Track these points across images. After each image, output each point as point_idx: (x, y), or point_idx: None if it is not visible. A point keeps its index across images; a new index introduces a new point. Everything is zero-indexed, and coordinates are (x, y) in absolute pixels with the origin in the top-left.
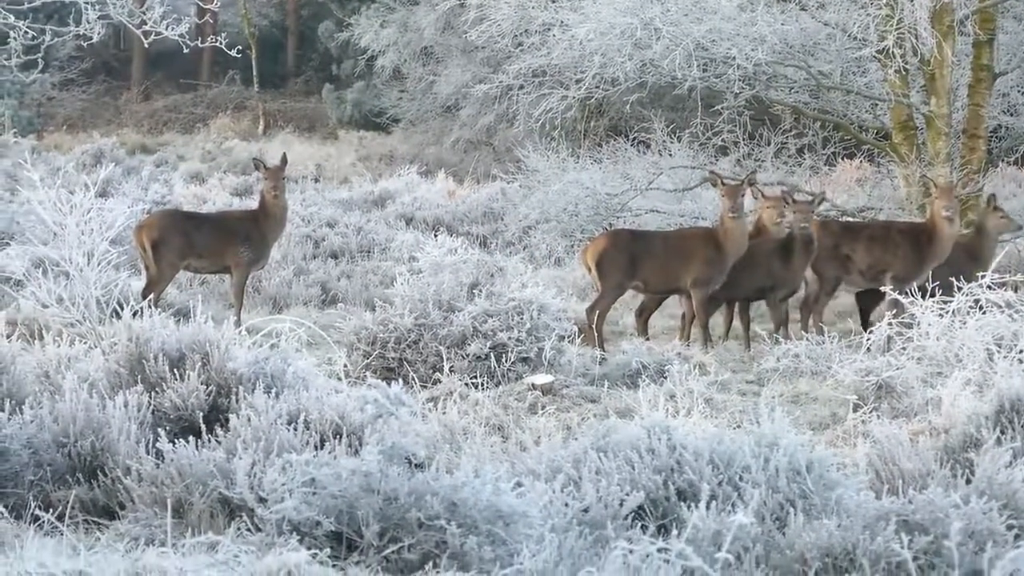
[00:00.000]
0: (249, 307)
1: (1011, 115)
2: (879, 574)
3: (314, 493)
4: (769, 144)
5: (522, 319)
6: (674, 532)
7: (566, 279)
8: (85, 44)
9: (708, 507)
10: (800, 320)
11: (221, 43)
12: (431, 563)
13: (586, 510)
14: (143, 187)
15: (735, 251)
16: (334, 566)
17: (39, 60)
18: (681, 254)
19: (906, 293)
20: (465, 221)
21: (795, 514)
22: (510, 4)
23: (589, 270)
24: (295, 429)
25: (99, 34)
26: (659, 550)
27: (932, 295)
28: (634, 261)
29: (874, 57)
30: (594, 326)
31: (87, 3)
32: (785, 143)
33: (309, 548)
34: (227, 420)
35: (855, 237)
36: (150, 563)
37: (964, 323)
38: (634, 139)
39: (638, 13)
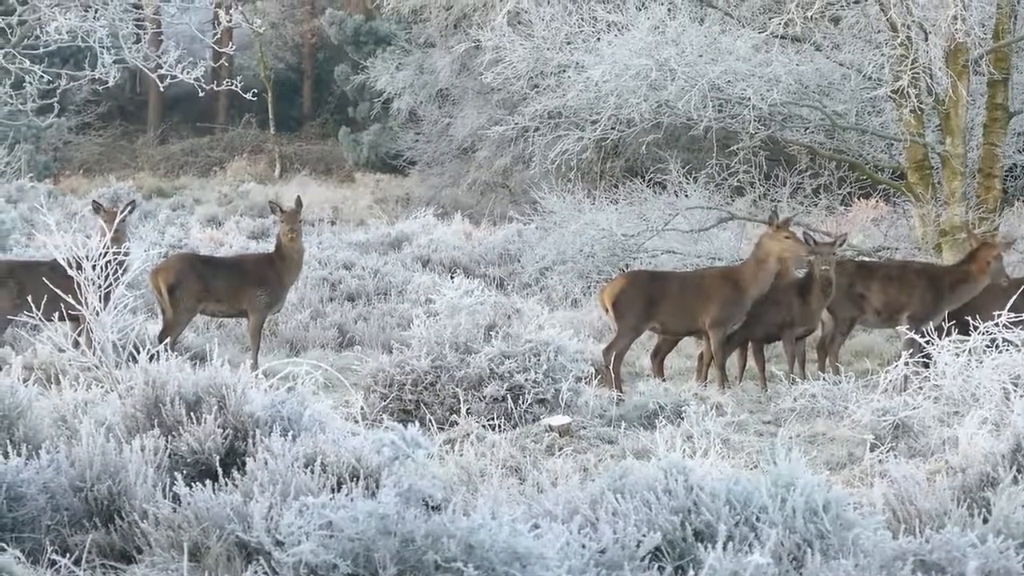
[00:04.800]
0: (266, 350)
1: None
2: None
3: (331, 536)
4: (785, 184)
5: (539, 361)
6: (691, 573)
7: (583, 320)
8: (101, 88)
9: (725, 548)
10: (817, 360)
11: (237, 86)
12: None
13: (603, 551)
14: (160, 231)
15: (757, 291)
16: None
17: (55, 104)
18: (700, 295)
19: (922, 333)
20: (482, 263)
21: (812, 554)
22: (525, 46)
23: (606, 311)
24: (312, 472)
25: (115, 78)
26: None
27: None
28: (652, 302)
29: (889, 97)
30: (611, 367)
31: (102, 47)
32: (801, 183)
33: None
34: (244, 463)
35: (870, 276)
36: None
37: (980, 362)
38: (650, 180)
39: (653, 54)
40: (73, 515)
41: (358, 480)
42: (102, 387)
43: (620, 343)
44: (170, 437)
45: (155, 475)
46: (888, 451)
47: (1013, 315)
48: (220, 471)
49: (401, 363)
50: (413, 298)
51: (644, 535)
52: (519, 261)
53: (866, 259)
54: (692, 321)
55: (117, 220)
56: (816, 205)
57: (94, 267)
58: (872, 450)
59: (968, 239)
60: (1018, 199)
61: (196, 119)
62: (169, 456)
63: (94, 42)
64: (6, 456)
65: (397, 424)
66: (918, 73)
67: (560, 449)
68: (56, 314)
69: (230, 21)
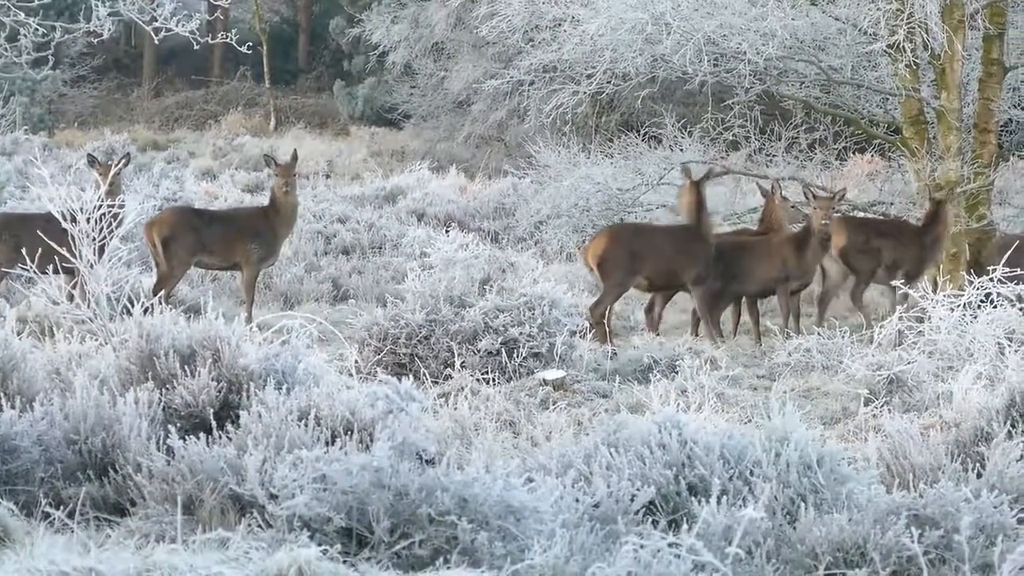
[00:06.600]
0: (260, 303)
1: (1022, 109)
2: (890, 568)
3: (325, 489)
4: (780, 139)
5: (533, 315)
6: (685, 527)
7: (577, 274)
8: (96, 41)
9: (719, 502)
10: (816, 315)
11: (232, 39)
12: (442, 559)
13: (597, 505)
14: (154, 184)
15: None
16: (345, 562)
17: (49, 57)
18: (684, 249)
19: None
20: (476, 217)
21: (806, 508)
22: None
23: (591, 270)
24: (306, 425)
25: (109, 31)
26: (670, 545)
27: None
28: (637, 257)
29: (885, 52)
30: (600, 323)
31: (97, 0)
32: (796, 138)
33: (320, 544)
34: (238, 417)
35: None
36: (160, 560)
37: (975, 317)
38: (645, 134)
39: (648, 8)
40: (67, 468)
41: (352, 433)
42: (96, 340)
43: (606, 300)
44: (164, 390)
45: (149, 428)
46: (882, 406)
47: (1007, 270)
48: (214, 424)
49: (395, 317)
50: (408, 252)
51: (638, 489)
52: (514, 215)
53: (861, 215)
54: (677, 277)
55: (112, 173)
56: (811, 160)
57: (89, 220)
58: (866, 405)
59: (931, 196)
60: (1013, 154)
61: (191, 72)
62: (163, 409)
63: None
64: (0, 409)
65: (391, 378)
66: (914, 28)
67: (554, 403)
68: (50, 267)
69: None
